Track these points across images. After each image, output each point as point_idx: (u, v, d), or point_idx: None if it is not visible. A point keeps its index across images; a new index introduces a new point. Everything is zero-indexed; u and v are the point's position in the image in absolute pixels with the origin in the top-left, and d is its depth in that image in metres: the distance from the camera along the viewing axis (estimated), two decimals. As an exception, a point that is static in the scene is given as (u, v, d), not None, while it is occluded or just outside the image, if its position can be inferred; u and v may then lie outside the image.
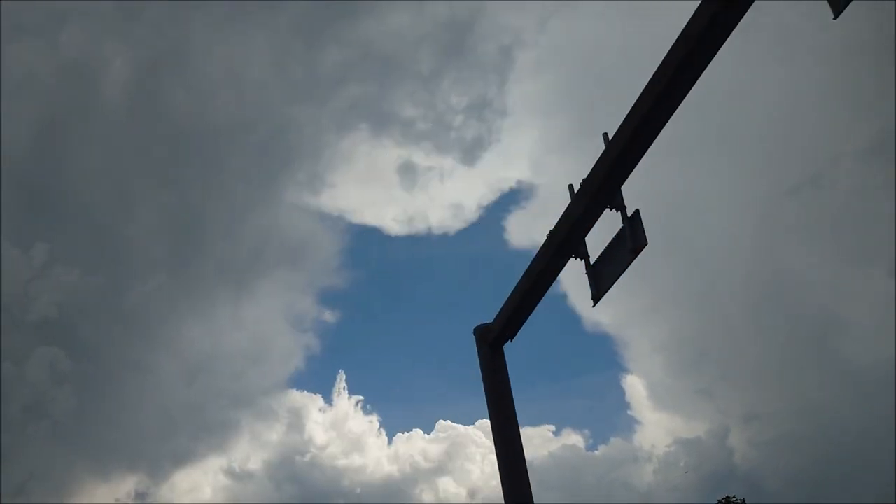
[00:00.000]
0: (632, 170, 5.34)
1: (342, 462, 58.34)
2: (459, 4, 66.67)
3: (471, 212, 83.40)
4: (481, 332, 6.78)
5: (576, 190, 5.75)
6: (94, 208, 56.11)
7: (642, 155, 5.26)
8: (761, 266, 53.99)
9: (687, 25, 4.70)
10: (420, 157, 79.16)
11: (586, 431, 72.57)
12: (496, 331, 6.60)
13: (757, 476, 45.59)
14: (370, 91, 75.42)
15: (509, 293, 6.61)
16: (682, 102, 5.28)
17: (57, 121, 54.47)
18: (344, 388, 61.08)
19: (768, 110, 57.33)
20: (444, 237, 76.20)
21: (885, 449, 39.97)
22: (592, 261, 5.99)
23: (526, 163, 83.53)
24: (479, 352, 6.67)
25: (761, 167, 59.37)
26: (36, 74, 52.89)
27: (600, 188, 5.45)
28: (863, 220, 54.68)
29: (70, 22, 57.10)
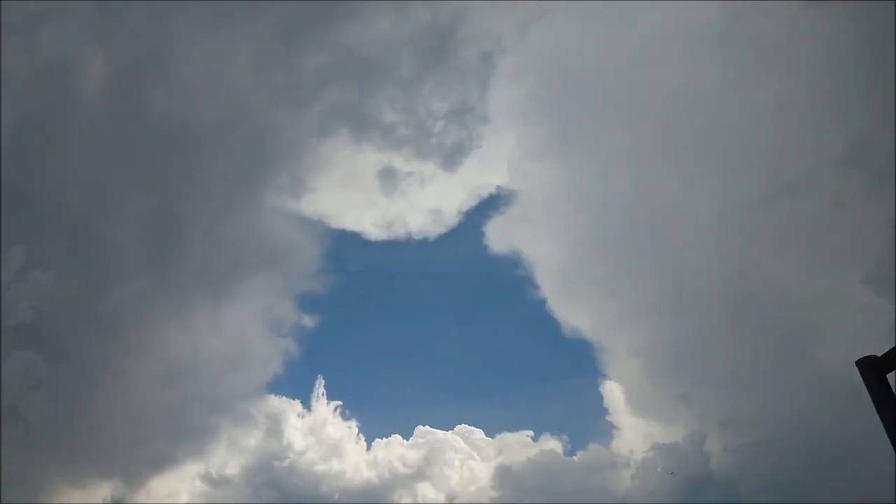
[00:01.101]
0: None
1: (321, 467, 57.93)
2: (441, 9, 66.55)
3: (450, 217, 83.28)
4: (870, 363, 7.12)
5: None
6: (72, 211, 54.94)
7: None
8: (738, 272, 55.01)
9: None
10: (400, 163, 78.99)
11: (564, 437, 72.80)
12: (887, 363, 6.90)
13: (733, 481, 46.44)
14: (351, 95, 74.93)
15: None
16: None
17: (34, 122, 53.24)
18: (323, 394, 60.58)
19: (744, 119, 58.50)
20: (424, 242, 76.02)
21: (861, 454, 41.03)
22: None
23: (505, 168, 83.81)
24: (867, 382, 7.04)
25: (737, 175, 60.49)
26: (12, 75, 51.75)
27: None
28: (837, 228, 56.10)
29: (48, 22, 55.94)
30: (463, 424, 61.42)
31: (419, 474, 55.86)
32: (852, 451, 42.16)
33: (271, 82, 64.60)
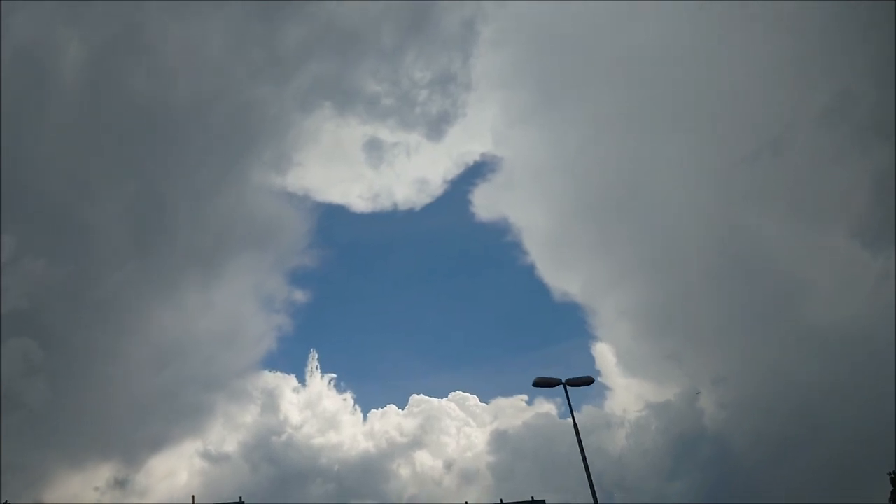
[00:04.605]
0: None
1: (318, 441, 58.48)
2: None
3: (436, 187, 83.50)
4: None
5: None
6: (58, 197, 54.66)
7: None
8: (723, 232, 55.53)
9: None
10: (385, 134, 79.13)
11: (559, 399, 73.65)
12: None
13: (725, 436, 47.15)
14: (333, 68, 74.84)
15: None
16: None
17: (12, 109, 52.80)
18: (317, 368, 60.99)
19: (726, 78, 58.75)
20: (410, 213, 76.41)
21: (847, 405, 41.82)
22: None
23: (490, 136, 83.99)
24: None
25: (721, 134, 60.85)
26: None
27: None
28: (821, 183, 56.61)
29: (20, 6, 55.15)
30: (457, 391, 61.95)
31: (416, 443, 56.46)
32: (839, 403, 42.99)
33: (251, 58, 64.25)
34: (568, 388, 20.42)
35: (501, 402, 63.55)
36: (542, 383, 20.46)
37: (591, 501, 19.46)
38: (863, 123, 50.95)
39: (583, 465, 19.09)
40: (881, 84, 47.67)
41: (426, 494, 50.67)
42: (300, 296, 72.06)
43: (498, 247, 76.85)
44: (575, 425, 20.01)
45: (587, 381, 20.73)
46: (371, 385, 77.72)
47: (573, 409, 20.18)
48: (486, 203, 72.19)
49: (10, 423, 39.72)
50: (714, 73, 58.00)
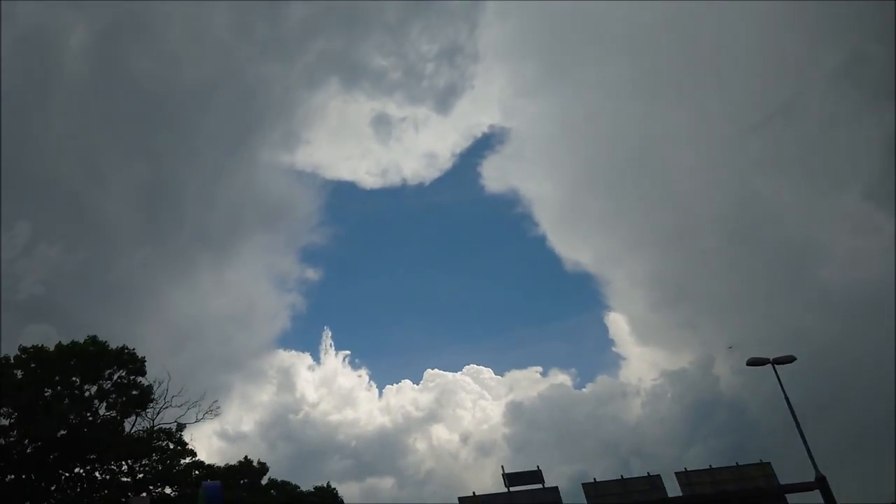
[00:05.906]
0: None
1: (335, 417, 59.14)
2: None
3: (444, 160, 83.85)
4: None
5: None
6: (70, 183, 55.28)
7: None
8: (737, 196, 55.57)
9: None
10: (393, 109, 79.28)
11: (573, 370, 74.58)
12: None
13: (740, 402, 47.51)
14: (338, 44, 74.89)
15: None
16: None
17: (19, 96, 53.13)
18: (331, 345, 61.71)
19: (735, 41, 58.36)
20: (420, 187, 76.75)
21: (864, 368, 41.92)
22: None
23: (497, 107, 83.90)
24: None
25: (732, 100, 60.68)
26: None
27: None
28: (834, 145, 56.32)
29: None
30: (472, 365, 62.73)
31: (432, 417, 57.14)
32: (855, 366, 43.10)
33: (255, 37, 64.31)
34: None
35: (516, 374, 64.19)
36: (755, 363, 23.72)
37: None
38: (874, 85, 50.61)
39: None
40: (892, 44, 47.30)
41: (443, 467, 51.29)
42: (312, 274, 72.58)
43: (508, 218, 77.11)
44: (786, 396, 23.09)
45: (790, 359, 23.43)
46: (386, 361, 78.42)
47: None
48: (495, 175, 72.40)
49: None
50: (723, 39, 57.68)
